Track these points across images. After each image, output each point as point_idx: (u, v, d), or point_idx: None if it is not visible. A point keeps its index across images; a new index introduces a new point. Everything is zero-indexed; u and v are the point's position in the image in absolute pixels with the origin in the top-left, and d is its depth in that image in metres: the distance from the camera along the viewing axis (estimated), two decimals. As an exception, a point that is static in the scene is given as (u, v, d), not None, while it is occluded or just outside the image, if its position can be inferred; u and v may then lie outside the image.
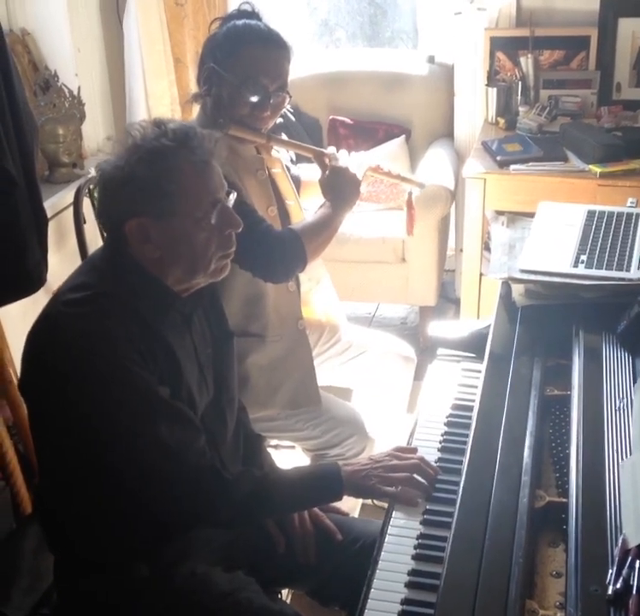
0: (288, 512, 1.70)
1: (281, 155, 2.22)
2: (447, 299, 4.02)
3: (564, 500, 1.34)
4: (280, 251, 1.98)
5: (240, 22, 2.03)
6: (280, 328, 2.14)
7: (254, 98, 2.00)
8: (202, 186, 1.49)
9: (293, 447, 2.51)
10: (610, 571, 1.13)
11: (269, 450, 1.95)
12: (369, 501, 2.35)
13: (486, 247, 3.15)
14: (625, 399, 1.48)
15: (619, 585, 1.10)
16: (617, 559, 1.14)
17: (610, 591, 1.10)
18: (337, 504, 1.77)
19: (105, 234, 1.59)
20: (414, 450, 1.66)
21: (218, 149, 1.53)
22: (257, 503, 1.57)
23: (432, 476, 1.58)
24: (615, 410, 1.46)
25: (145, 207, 1.46)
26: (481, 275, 3.14)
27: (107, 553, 1.55)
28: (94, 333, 1.42)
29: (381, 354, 2.44)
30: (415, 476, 1.58)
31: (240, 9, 2.08)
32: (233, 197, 1.57)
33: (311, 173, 2.33)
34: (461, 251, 3.63)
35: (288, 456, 2.58)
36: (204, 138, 1.50)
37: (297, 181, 2.27)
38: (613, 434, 1.41)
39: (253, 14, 2.06)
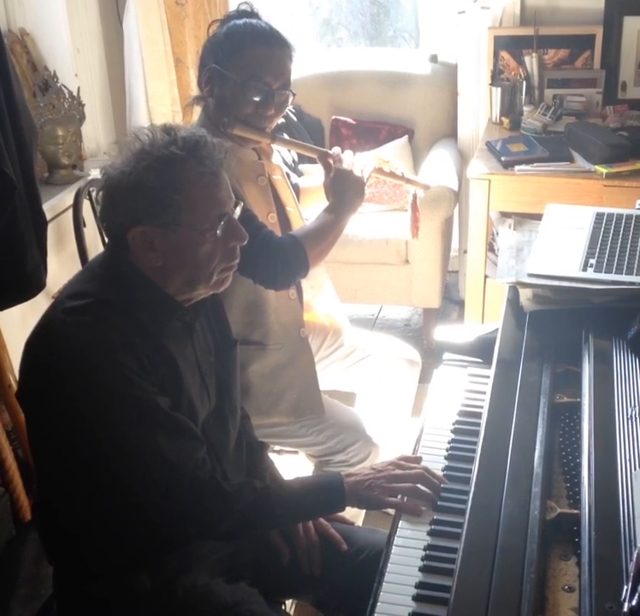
0: (290, 523, 1.68)
1: (281, 162, 2.20)
2: (451, 300, 3.99)
3: (575, 511, 1.30)
4: (281, 258, 1.95)
5: (240, 22, 2.02)
6: (281, 337, 2.11)
7: (257, 97, 1.97)
8: (210, 199, 1.46)
9: (296, 452, 2.49)
10: (625, 586, 1.10)
11: (272, 455, 1.92)
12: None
13: (490, 249, 3.12)
14: (637, 407, 1.44)
15: (634, 602, 1.07)
16: (632, 574, 1.10)
17: (625, 608, 1.07)
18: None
19: (107, 239, 1.56)
20: (418, 459, 1.64)
21: (228, 160, 1.50)
22: (258, 515, 1.55)
23: (437, 485, 1.55)
24: (627, 418, 1.43)
25: (150, 216, 1.43)
26: (485, 277, 3.12)
27: (107, 564, 1.53)
28: (95, 342, 1.40)
29: (385, 358, 2.41)
30: (419, 486, 1.55)
31: (238, 10, 2.07)
32: (239, 209, 1.54)
33: (309, 181, 2.30)
34: (465, 252, 3.61)
35: (291, 461, 2.56)
36: (215, 147, 1.47)
37: (296, 190, 2.24)
38: (624, 442, 1.38)
39: (252, 14, 2.05)
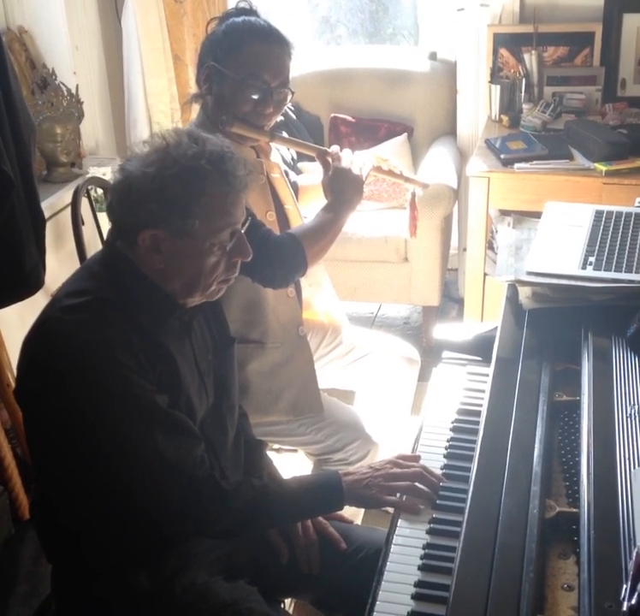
0: (288, 522, 1.68)
1: (280, 160, 2.19)
2: (450, 298, 3.99)
3: (574, 510, 1.30)
4: (279, 257, 1.94)
5: (239, 19, 2.01)
6: (280, 335, 2.11)
7: (256, 95, 1.97)
8: (226, 216, 1.47)
9: (295, 450, 2.48)
10: (624, 585, 1.09)
11: (272, 453, 1.92)
12: (372, 507, 2.32)
13: (489, 246, 3.12)
14: (637, 406, 1.44)
15: (634, 601, 1.06)
16: (631, 573, 1.10)
17: (625, 607, 1.07)
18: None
19: (110, 234, 1.55)
20: (416, 458, 1.64)
21: (251, 178, 1.51)
22: (256, 514, 1.55)
23: (435, 484, 1.55)
24: (626, 416, 1.43)
25: (165, 221, 1.43)
26: (485, 274, 3.11)
27: (107, 562, 1.53)
28: (94, 341, 1.40)
29: (384, 356, 2.41)
30: (417, 484, 1.55)
31: (237, 7, 2.06)
32: (247, 224, 1.55)
33: (307, 179, 2.30)
34: (464, 250, 3.61)
35: (290, 459, 2.55)
36: (239, 163, 1.48)
37: (294, 188, 2.24)
38: (624, 441, 1.37)
39: (251, 12, 2.04)
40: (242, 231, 1.53)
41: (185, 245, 1.45)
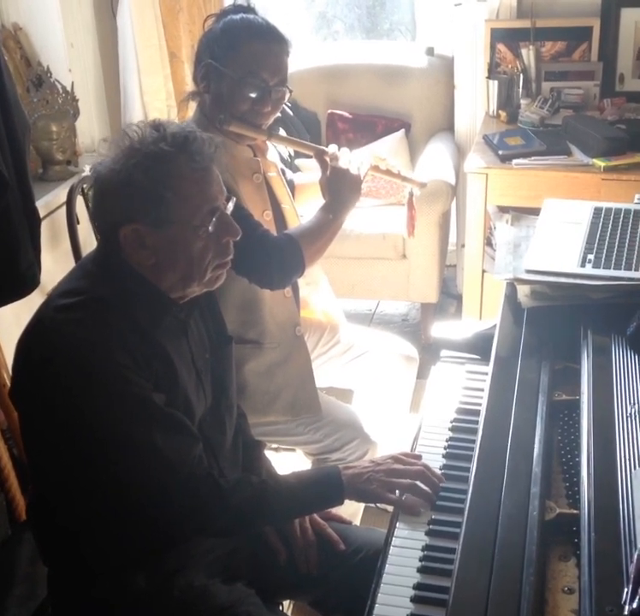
0: (288, 518, 1.66)
1: (277, 158, 2.18)
2: (449, 294, 3.98)
3: (575, 511, 1.29)
4: (277, 258, 1.93)
5: (237, 17, 1.99)
6: (277, 335, 2.10)
7: (254, 94, 1.95)
8: (200, 194, 1.45)
9: (293, 449, 2.47)
10: (625, 589, 1.08)
11: (270, 453, 1.91)
12: (372, 504, 2.31)
13: (488, 243, 3.11)
14: (637, 405, 1.43)
15: (635, 605, 1.05)
16: (632, 576, 1.09)
17: (626, 611, 1.06)
18: (339, 510, 1.73)
19: (99, 237, 1.55)
20: (418, 456, 1.62)
21: (219, 155, 1.48)
22: (255, 510, 1.54)
23: (437, 484, 1.54)
24: (626, 416, 1.41)
25: (141, 213, 1.42)
26: (483, 271, 3.10)
27: (103, 564, 1.52)
28: (89, 339, 1.39)
29: (382, 354, 2.40)
30: (418, 483, 1.54)
31: (235, 4, 2.05)
32: (231, 204, 1.53)
33: (304, 177, 2.29)
34: (462, 246, 3.60)
35: (289, 458, 2.54)
36: (204, 142, 1.45)
37: (291, 186, 2.22)
38: (624, 441, 1.36)
39: (249, 9, 2.03)
40: (227, 211, 1.50)
41: (167, 234, 1.44)
